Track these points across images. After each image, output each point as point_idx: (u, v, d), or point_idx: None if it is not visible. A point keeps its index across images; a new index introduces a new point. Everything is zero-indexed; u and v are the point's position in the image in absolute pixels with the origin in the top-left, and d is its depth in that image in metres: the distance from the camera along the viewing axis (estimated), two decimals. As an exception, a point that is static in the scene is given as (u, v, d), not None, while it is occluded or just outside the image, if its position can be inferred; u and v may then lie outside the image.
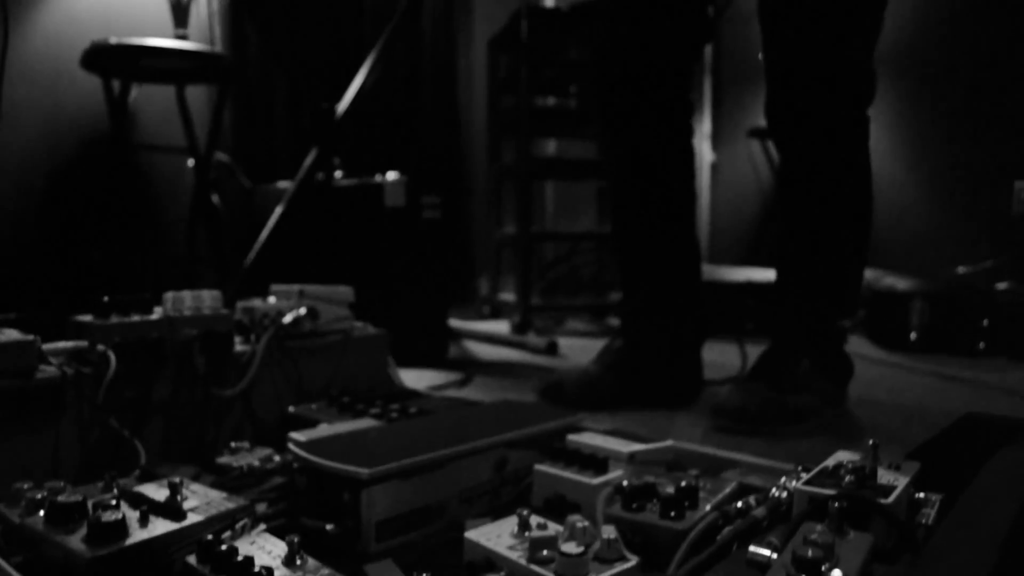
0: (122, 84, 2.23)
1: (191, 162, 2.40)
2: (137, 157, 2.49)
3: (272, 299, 1.09)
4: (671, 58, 1.37)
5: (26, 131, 2.31)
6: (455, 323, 2.38)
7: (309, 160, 1.84)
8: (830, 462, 0.65)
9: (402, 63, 2.45)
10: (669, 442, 0.79)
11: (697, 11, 1.39)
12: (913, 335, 2.29)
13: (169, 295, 0.97)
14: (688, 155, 1.45)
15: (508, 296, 2.73)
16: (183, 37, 2.32)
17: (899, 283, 2.45)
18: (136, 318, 0.90)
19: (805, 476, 0.62)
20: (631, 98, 1.39)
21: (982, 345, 2.25)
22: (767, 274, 1.39)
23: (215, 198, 2.48)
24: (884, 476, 0.61)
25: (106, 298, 0.92)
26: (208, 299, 0.98)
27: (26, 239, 2.29)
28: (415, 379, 1.62)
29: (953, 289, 2.35)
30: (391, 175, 1.86)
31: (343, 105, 1.92)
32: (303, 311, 1.07)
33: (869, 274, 2.67)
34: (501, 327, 2.60)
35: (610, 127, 1.43)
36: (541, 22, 2.45)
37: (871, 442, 0.65)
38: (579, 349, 2.15)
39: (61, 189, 2.37)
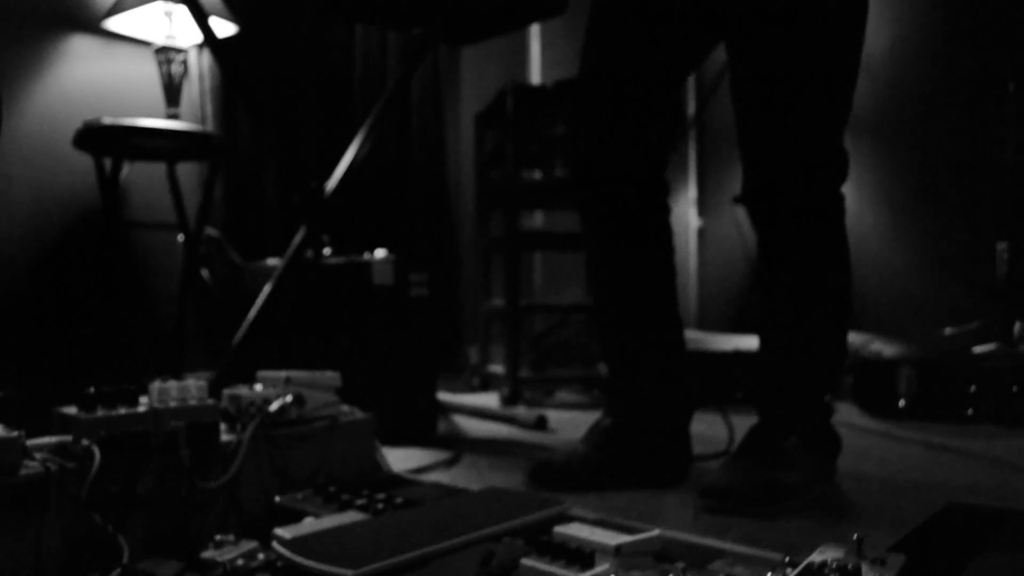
0: (113, 162, 2.26)
1: (181, 237, 2.41)
2: (127, 234, 2.50)
3: (258, 387, 1.09)
4: (645, 148, 1.41)
5: (17, 208, 2.32)
6: (444, 396, 2.38)
7: (298, 238, 1.86)
8: (816, 557, 0.65)
9: (391, 140, 2.49)
10: (656, 532, 0.79)
11: (671, 106, 1.43)
12: (901, 402, 2.30)
13: (155, 385, 0.97)
14: (666, 234, 1.48)
15: (497, 368, 2.73)
16: (175, 116, 2.36)
17: (886, 349, 2.46)
18: (122, 411, 0.91)
19: (791, 572, 0.62)
20: (606, 186, 1.41)
21: (970, 411, 2.25)
22: (755, 342, 1.40)
23: (205, 273, 2.49)
24: (869, 573, 0.61)
25: (92, 389, 0.92)
26: (194, 389, 0.99)
27: (14, 315, 2.29)
28: (403, 459, 1.61)
29: (940, 356, 2.36)
30: (379, 253, 1.88)
31: (332, 183, 1.95)
32: (289, 399, 1.07)
33: (856, 339, 2.68)
34: (490, 400, 2.59)
35: (586, 213, 1.46)
36: (526, 99, 2.50)
37: (855, 536, 0.65)
38: (569, 423, 2.15)
39: (51, 266, 2.38)
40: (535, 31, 3.58)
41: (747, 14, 1.30)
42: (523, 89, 2.54)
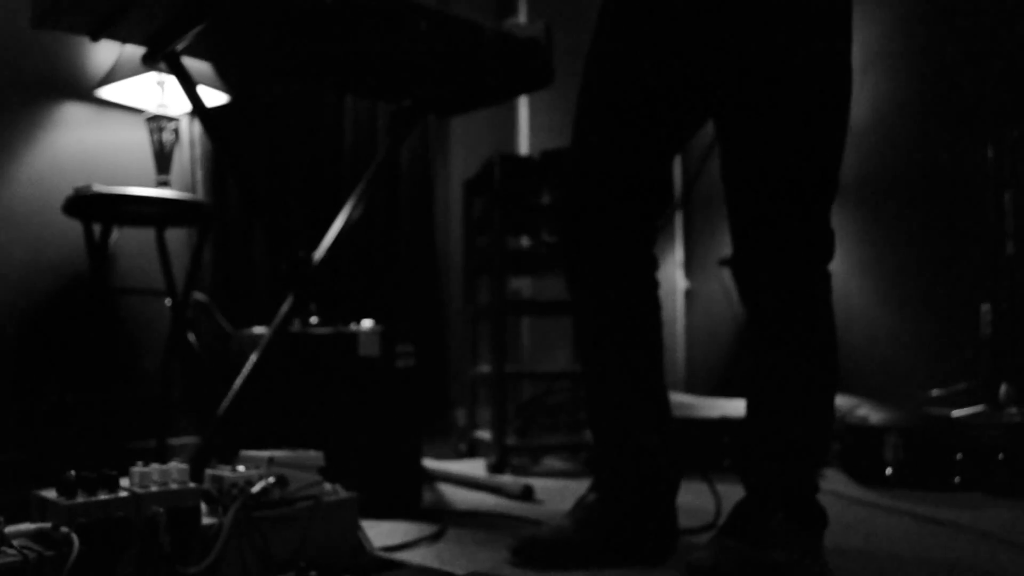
0: (103, 228, 2.27)
1: (168, 302, 2.41)
2: (115, 299, 2.50)
3: (241, 467, 1.09)
4: (633, 222, 1.43)
5: (5, 274, 2.33)
6: (430, 463, 2.36)
7: (285, 308, 1.87)
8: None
9: (380, 206, 2.52)
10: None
11: (660, 181, 1.45)
12: (888, 470, 2.30)
13: (136, 469, 0.97)
14: (653, 307, 1.49)
15: (484, 433, 2.72)
16: (165, 183, 2.37)
17: (872, 415, 2.47)
18: (102, 496, 0.90)
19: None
20: (594, 259, 1.43)
21: (957, 479, 2.25)
22: (742, 407, 1.41)
23: (192, 338, 2.49)
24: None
25: (72, 473, 0.92)
26: (175, 472, 0.99)
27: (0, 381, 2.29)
28: (388, 533, 1.60)
29: (926, 423, 2.37)
30: (366, 323, 1.89)
31: (320, 252, 1.96)
32: (272, 480, 1.06)
33: (843, 403, 2.69)
34: (477, 466, 2.58)
35: (574, 286, 1.47)
36: (513, 168, 2.54)
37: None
38: (556, 492, 2.14)
39: (37, 332, 2.37)
40: (523, 100, 3.65)
41: (736, 97, 1.34)
42: (510, 159, 2.58)
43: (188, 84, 1.87)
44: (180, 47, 1.80)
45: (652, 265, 1.47)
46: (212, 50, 1.99)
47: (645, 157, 1.41)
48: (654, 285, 1.48)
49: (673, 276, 4.06)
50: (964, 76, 3.28)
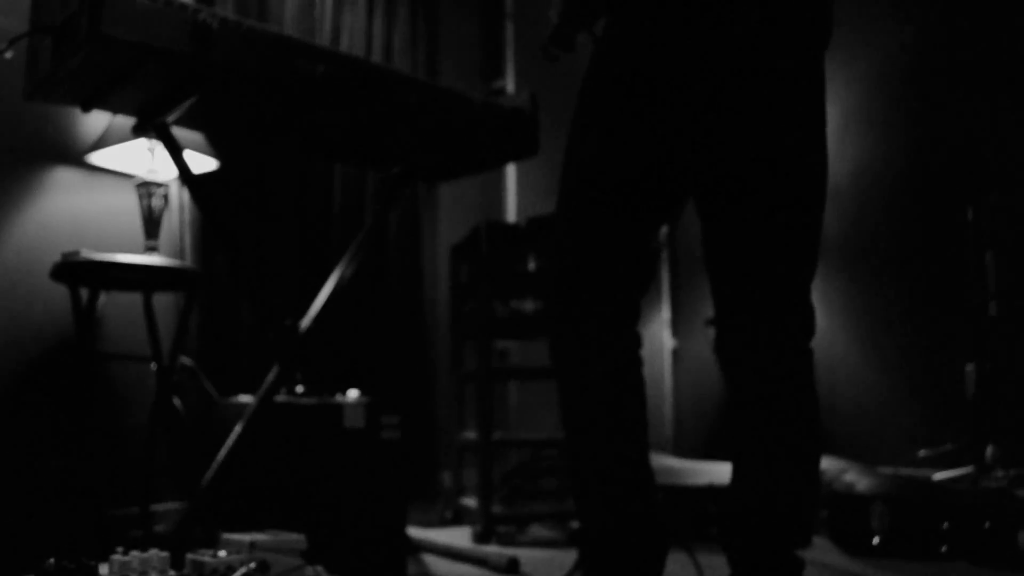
0: (90, 294, 2.27)
1: (154, 366, 2.41)
2: (101, 364, 2.49)
3: (222, 552, 1.08)
4: (617, 301, 1.44)
5: (-11, 339, 2.32)
6: (415, 532, 2.34)
7: (271, 378, 1.87)
8: None
9: (368, 271, 2.53)
10: None
11: (644, 262, 1.47)
12: (876, 539, 2.29)
13: (116, 558, 0.96)
14: (636, 380, 1.49)
15: (470, 501, 2.70)
16: (153, 249, 2.38)
17: (859, 482, 2.46)
18: (80, 589, 0.89)
19: None
20: (579, 341, 1.44)
21: (944, 549, 2.25)
22: (729, 472, 1.41)
23: (177, 402, 2.47)
24: None
25: (51, 561, 0.92)
26: (155, 561, 0.98)
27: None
28: (371, 609, 1.58)
29: (912, 491, 2.36)
30: (351, 394, 1.89)
31: (307, 321, 1.97)
32: (253, 565, 1.06)
33: (830, 465, 2.69)
34: (463, 534, 2.56)
35: (558, 361, 1.48)
36: (499, 236, 2.56)
37: None
38: (542, 563, 2.12)
39: (21, 397, 2.36)
40: (511, 164, 3.69)
41: (717, 183, 1.36)
42: (496, 227, 2.61)
43: (177, 155, 1.89)
44: (171, 119, 1.83)
45: (636, 342, 1.48)
46: (202, 120, 2.01)
47: (628, 239, 1.43)
48: (638, 362, 1.49)
49: (660, 335, 4.07)
50: (941, 138, 3.34)
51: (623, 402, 1.47)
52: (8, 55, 1.62)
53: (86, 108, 1.82)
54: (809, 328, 1.36)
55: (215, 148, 2.44)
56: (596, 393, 1.46)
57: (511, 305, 2.56)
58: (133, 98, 1.78)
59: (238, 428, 1.80)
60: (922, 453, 2.93)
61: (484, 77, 4.05)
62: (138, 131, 1.91)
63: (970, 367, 2.90)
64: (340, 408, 1.84)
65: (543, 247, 2.49)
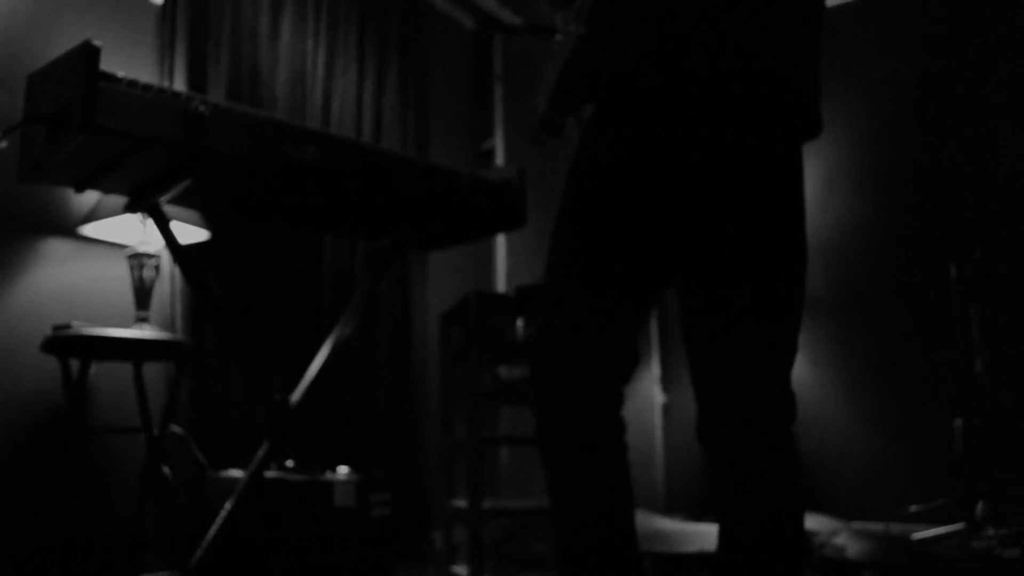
0: (80, 367, 2.28)
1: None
2: (90, 436, 2.49)
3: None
4: (602, 389, 1.45)
5: (-23, 412, 2.32)
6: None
7: (261, 453, 1.87)
8: None
9: (358, 342, 2.54)
10: None
11: (628, 349, 1.48)
12: (868, 607, 2.29)
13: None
14: (622, 467, 1.50)
15: (461, 570, 2.69)
16: (144, 320, 2.40)
17: (850, 547, 2.46)
18: None
19: None
20: (564, 427, 1.45)
21: (936, 614, 2.25)
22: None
23: (167, 471, 2.47)
24: None
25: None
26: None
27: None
28: None
29: (903, 556, 2.37)
30: (341, 471, 1.89)
31: (297, 395, 1.98)
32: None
33: (821, 525, 2.69)
34: (454, 603, 2.55)
35: (544, 448, 1.49)
36: (488, 305, 2.59)
37: None
38: (532, 635, 2.11)
39: (10, 470, 2.35)
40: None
41: (699, 271, 1.38)
42: (485, 296, 2.64)
43: (169, 234, 1.92)
44: (163, 200, 1.85)
45: (621, 428, 1.49)
46: (194, 199, 2.04)
47: (611, 330, 1.44)
48: (623, 448, 1.50)
49: (650, 391, 4.08)
50: (925, 195, 3.40)
51: (607, 485, 1.48)
52: (3, 144, 1.65)
53: (79, 189, 1.85)
54: (791, 415, 1.38)
55: (206, 219, 2.46)
56: (580, 478, 1.46)
57: (500, 372, 2.57)
58: (125, 180, 1.81)
59: (228, 504, 1.80)
60: (913, 508, 2.94)
61: (474, 138, 4.11)
62: (130, 210, 1.94)
63: (958, 422, 2.92)
64: (330, 486, 1.84)
65: (531, 316, 2.52)
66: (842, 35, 3.45)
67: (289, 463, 1.98)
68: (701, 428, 1.40)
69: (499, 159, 4.08)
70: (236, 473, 2.03)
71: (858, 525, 3.05)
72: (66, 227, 2.50)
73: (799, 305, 1.40)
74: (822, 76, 1.47)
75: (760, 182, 1.38)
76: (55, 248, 2.51)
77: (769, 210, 1.38)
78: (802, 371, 3.32)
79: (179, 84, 2.71)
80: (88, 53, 1.52)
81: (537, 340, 1.51)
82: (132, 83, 1.56)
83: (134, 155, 1.64)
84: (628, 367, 1.49)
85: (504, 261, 3.72)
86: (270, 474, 1.91)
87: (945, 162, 3.37)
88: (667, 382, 4.12)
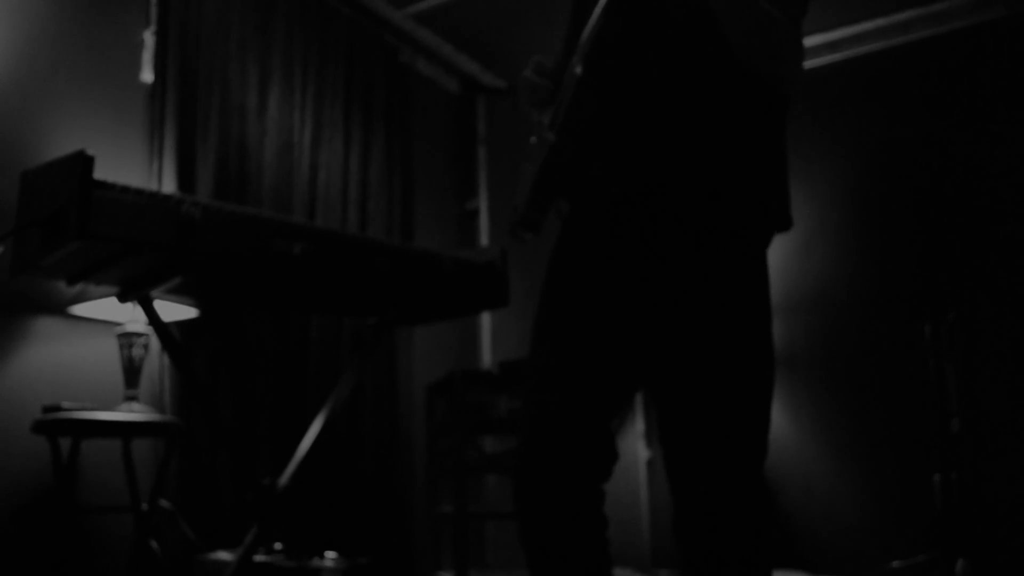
0: (71, 444, 2.31)
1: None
2: (80, 514, 2.51)
3: None
4: (582, 485, 1.50)
5: (-33, 492, 2.34)
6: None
7: (249, 539, 1.90)
8: None
9: (343, 423, 2.56)
10: None
11: (607, 444, 1.53)
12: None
13: None
14: (601, 553, 1.54)
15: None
16: (133, 398, 2.43)
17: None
18: None
19: None
20: (545, 524, 1.49)
21: None
22: None
23: (155, 546, 2.48)
24: None
25: None
26: None
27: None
28: None
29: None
30: (329, 556, 1.92)
31: (285, 478, 2.01)
32: None
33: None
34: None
35: (525, 540, 1.52)
36: (473, 381, 2.64)
37: None
38: None
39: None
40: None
41: (672, 371, 1.44)
42: (470, 373, 2.69)
43: (158, 322, 1.96)
44: (153, 293, 1.90)
45: (603, 523, 1.53)
46: (184, 291, 2.08)
47: (586, 423, 1.48)
48: (605, 544, 1.54)
49: (634, 447, 4.10)
50: (899, 257, 3.48)
51: (584, 569, 1.51)
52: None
53: (71, 284, 1.89)
54: (763, 511, 1.43)
55: (195, 299, 2.50)
56: (557, 566, 1.50)
57: (486, 445, 2.61)
58: (117, 276, 1.85)
59: (217, 594, 1.83)
60: (895, 564, 2.97)
61: (458, 198, 4.18)
62: (121, 299, 1.98)
63: (937, 477, 2.96)
64: (318, 573, 1.87)
65: (515, 390, 2.57)
66: (818, 97, 3.55)
67: (277, 545, 2.01)
68: (676, 523, 1.45)
69: (483, 218, 4.16)
70: (225, 555, 2.06)
71: (839, 581, 3.08)
72: (56, 306, 2.53)
73: (767, 405, 1.45)
74: (788, 167, 1.53)
75: (725, 286, 1.43)
76: (45, 326, 2.54)
77: (735, 314, 1.43)
78: (782, 427, 3.40)
79: (168, 160, 2.76)
80: (82, 162, 1.58)
81: (518, 437, 1.55)
82: (125, 189, 1.62)
83: (126, 256, 1.69)
84: (606, 464, 1.53)
85: (489, 331, 3.76)
86: (259, 558, 1.93)
87: (919, 224, 3.45)
88: (651, 437, 4.15)
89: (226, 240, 1.71)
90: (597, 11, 1.48)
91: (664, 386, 1.47)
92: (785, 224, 1.52)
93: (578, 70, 1.50)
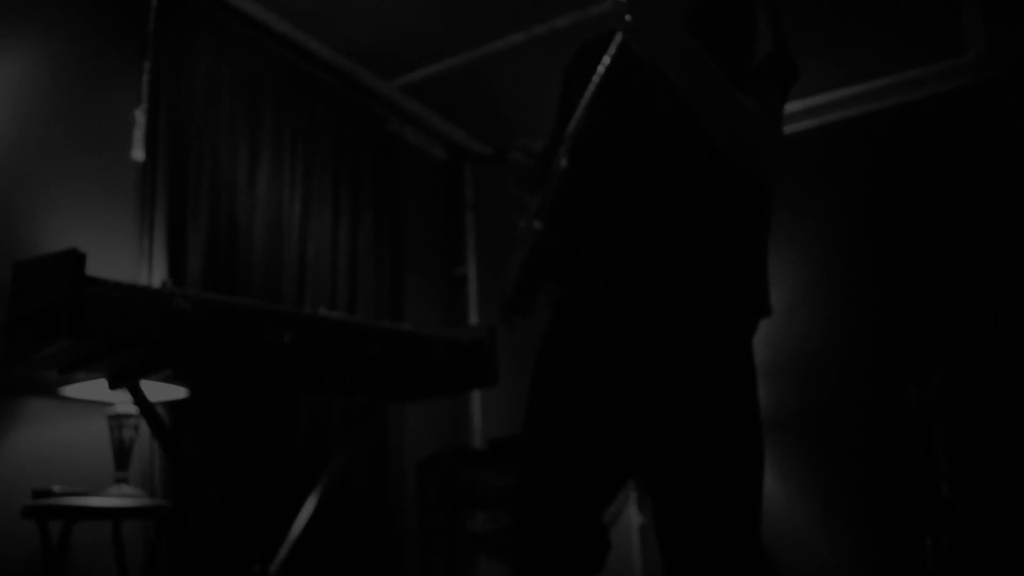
0: (62, 528, 2.30)
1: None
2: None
3: None
4: (576, 568, 1.50)
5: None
6: None
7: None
8: None
9: (335, 511, 2.55)
10: None
11: (598, 534, 1.54)
12: None
13: None
14: None
15: None
16: (123, 480, 2.42)
17: None
18: None
19: None
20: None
21: None
22: None
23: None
24: None
25: None
26: None
27: None
28: None
29: None
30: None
31: (276, 565, 2.01)
32: None
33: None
34: None
35: None
36: (463, 458, 2.64)
37: None
38: None
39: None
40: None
41: (659, 462, 1.45)
42: (461, 451, 2.70)
43: (148, 409, 1.97)
44: (143, 382, 1.91)
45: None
46: (174, 378, 2.09)
47: (582, 517, 1.50)
48: None
49: (627, 512, 4.09)
50: (885, 320, 3.52)
51: None
52: (-9, 345, 1.71)
53: (62, 374, 1.90)
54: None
55: (185, 382, 2.50)
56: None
57: (477, 522, 2.61)
58: (108, 367, 1.86)
59: None
60: (891, 628, 2.96)
61: (447, 264, 4.21)
62: (111, 387, 1.99)
63: (928, 541, 2.96)
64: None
65: (505, 467, 2.58)
66: (797, 163, 3.62)
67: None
68: None
69: (471, 284, 4.19)
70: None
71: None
72: (46, 388, 2.53)
73: (759, 490, 1.47)
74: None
75: (711, 377, 1.45)
76: (35, 408, 2.53)
77: (722, 403, 1.45)
78: (772, 490, 3.39)
79: (159, 237, 2.78)
80: (74, 260, 1.60)
81: (511, 527, 1.55)
82: (117, 285, 1.64)
83: (117, 350, 1.70)
84: (599, 556, 1.54)
85: (480, 405, 3.76)
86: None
87: (902, 287, 3.50)
88: (644, 503, 4.13)
89: (216, 332, 1.73)
90: (582, 105, 1.53)
91: (656, 476, 1.48)
92: (765, 311, 1.55)
93: (564, 163, 1.54)
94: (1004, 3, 3.14)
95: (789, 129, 3.44)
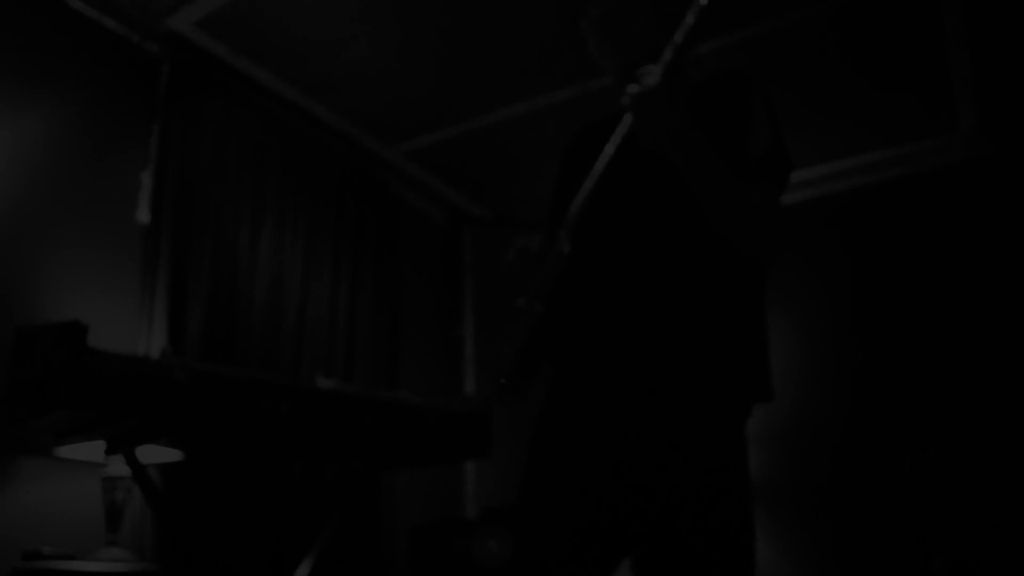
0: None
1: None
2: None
3: None
4: None
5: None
6: None
7: None
8: None
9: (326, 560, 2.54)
10: None
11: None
12: None
13: None
14: None
15: None
16: (114, 542, 2.41)
17: None
18: None
19: None
20: None
21: None
22: None
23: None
24: None
25: None
26: None
27: None
28: None
29: None
30: None
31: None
32: None
33: None
34: None
35: None
36: (455, 529, 2.64)
37: None
38: None
39: None
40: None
41: (647, 546, 1.46)
42: (453, 521, 2.70)
43: (142, 476, 1.97)
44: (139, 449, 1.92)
45: None
46: (169, 443, 2.11)
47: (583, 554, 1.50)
48: None
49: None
50: (879, 389, 3.53)
51: None
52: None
53: (58, 442, 1.92)
54: None
55: (178, 441, 2.51)
56: None
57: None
58: (105, 434, 1.88)
59: None
60: None
61: (445, 326, 4.24)
62: (107, 453, 2.00)
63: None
64: None
65: (498, 537, 2.57)
66: (797, 232, 3.67)
67: None
68: None
69: (469, 346, 4.21)
70: None
71: None
72: (39, 447, 2.53)
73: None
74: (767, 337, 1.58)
75: (701, 463, 1.46)
76: (28, 468, 2.53)
77: (711, 490, 1.46)
78: (765, 559, 3.37)
79: (160, 299, 2.80)
80: (76, 331, 1.62)
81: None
82: (116, 357, 1.66)
83: (115, 420, 1.72)
84: None
85: (474, 472, 3.77)
86: None
87: (895, 359, 3.52)
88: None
89: (214, 403, 1.75)
90: (584, 191, 1.56)
91: (644, 558, 1.49)
92: (766, 395, 1.56)
93: (565, 248, 1.57)
94: (995, 79, 3.21)
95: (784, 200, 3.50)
